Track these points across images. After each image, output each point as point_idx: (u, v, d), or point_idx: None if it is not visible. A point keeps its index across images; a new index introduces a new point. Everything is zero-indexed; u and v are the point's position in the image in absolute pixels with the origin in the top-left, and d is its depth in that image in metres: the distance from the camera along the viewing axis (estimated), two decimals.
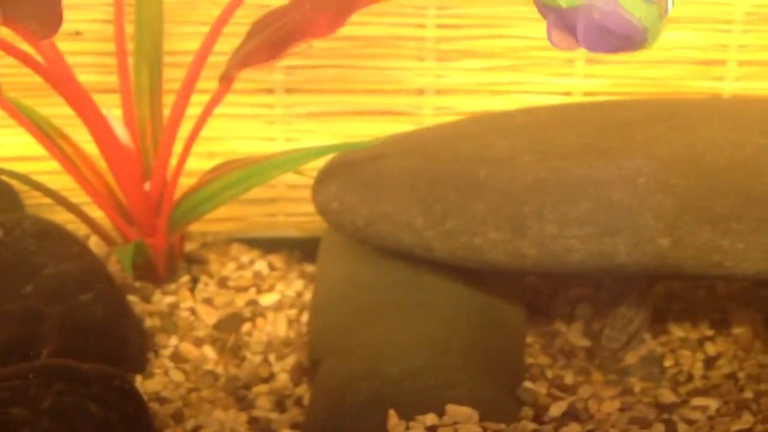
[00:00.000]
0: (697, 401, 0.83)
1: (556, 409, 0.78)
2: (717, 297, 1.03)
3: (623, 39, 0.65)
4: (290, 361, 0.88)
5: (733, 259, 0.79)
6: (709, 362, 0.94)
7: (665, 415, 0.78)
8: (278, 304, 0.94)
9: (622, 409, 0.79)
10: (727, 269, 0.80)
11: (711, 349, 0.96)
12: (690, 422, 0.77)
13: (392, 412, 0.72)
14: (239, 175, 0.86)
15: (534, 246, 0.81)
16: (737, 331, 0.97)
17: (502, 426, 0.73)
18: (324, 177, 0.91)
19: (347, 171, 0.89)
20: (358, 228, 0.86)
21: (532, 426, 0.74)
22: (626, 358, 0.95)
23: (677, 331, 0.99)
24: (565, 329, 0.98)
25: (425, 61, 1.10)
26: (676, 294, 1.03)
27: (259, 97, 1.10)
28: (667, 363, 0.95)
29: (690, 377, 0.92)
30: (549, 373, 0.91)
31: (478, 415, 0.73)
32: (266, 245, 1.08)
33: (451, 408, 0.73)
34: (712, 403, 0.83)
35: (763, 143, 0.85)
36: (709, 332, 0.98)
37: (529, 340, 0.96)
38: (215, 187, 0.87)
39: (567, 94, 1.12)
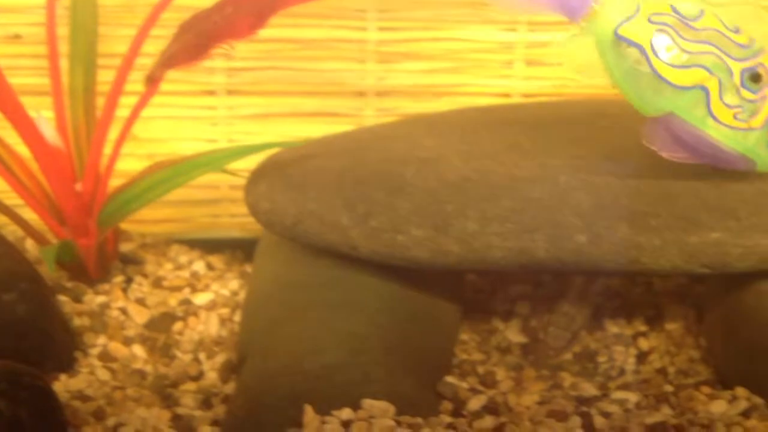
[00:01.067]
0: (617, 395, 0.84)
1: (475, 403, 0.79)
2: (653, 293, 1.04)
3: (714, 158, 0.68)
4: (220, 359, 0.89)
5: (650, 256, 0.80)
6: (642, 357, 0.96)
7: (583, 408, 0.79)
8: (211, 304, 0.95)
9: (541, 403, 0.80)
10: (645, 265, 0.81)
11: (644, 344, 0.97)
12: (606, 415, 0.78)
13: (308, 407, 0.72)
14: (164, 174, 0.87)
15: (456, 243, 0.82)
16: (670, 326, 0.98)
17: (419, 420, 0.73)
18: (255, 177, 0.92)
19: (277, 171, 0.90)
20: (286, 227, 0.87)
21: (449, 419, 0.75)
22: (562, 354, 0.96)
23: (612, 327, 1.00)
24: (503, 326, 0.99)
25: (366, 63, 1.12)
26: (614, 290, 1.05)
27: (201, 98, 1.11)
28: (601, 359, 0.96)
29: (622, 372, 0.93)
30: (480, 369, 0.92)
31: (395, 409, 0.74)
32: (209, 246, 1.08)
33: (367, 402, 0.74)
34: (632, 397, 0.84)
35: None
36: (643, 328, 1.00)
37: (465, 337, 0.97)
38: (141, 187, 0.87)
39: (506, 95, 1.13)
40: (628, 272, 0.82)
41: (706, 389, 0.84)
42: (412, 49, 1.11)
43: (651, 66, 0.68)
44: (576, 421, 0.78)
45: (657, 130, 0.70)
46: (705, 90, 0.66)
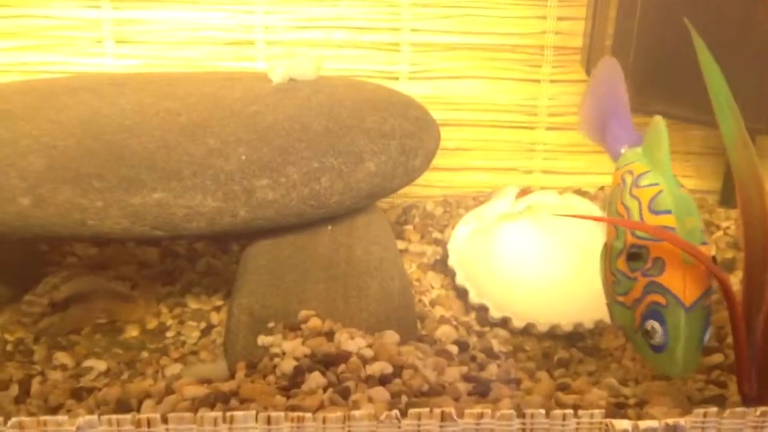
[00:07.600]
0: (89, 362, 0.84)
1: None
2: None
3: None
4: None
5: (95, 217, 0.79)
6: (206, 331, 0.96)
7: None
8: None
9: None
10: (93, 228, 0.79)
11: (215, 318, 0.97)
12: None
13: None
14: None
15: None
16: None
17: None
18: None
19: None
20: None
21: None
22: (127, 329, 0.95)
23: (193, 304, 0.99)
24: None
25: None
26: (213, 269, 1.05)
27: None
28: (171, 333, 0.95)
29: (183, 343, 0.93)
30: None
31: None
32: None
33: None
34: (101, 365, 0.85)
35: (164, 107, 0.86)
36: (219, 303, 0.99)
37: None
38: None
39: None
40: (79, 236, 0.80)
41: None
42: None
43: (613, 198, 0.77)
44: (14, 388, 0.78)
45: None
46: (607, 246, 0.73)
